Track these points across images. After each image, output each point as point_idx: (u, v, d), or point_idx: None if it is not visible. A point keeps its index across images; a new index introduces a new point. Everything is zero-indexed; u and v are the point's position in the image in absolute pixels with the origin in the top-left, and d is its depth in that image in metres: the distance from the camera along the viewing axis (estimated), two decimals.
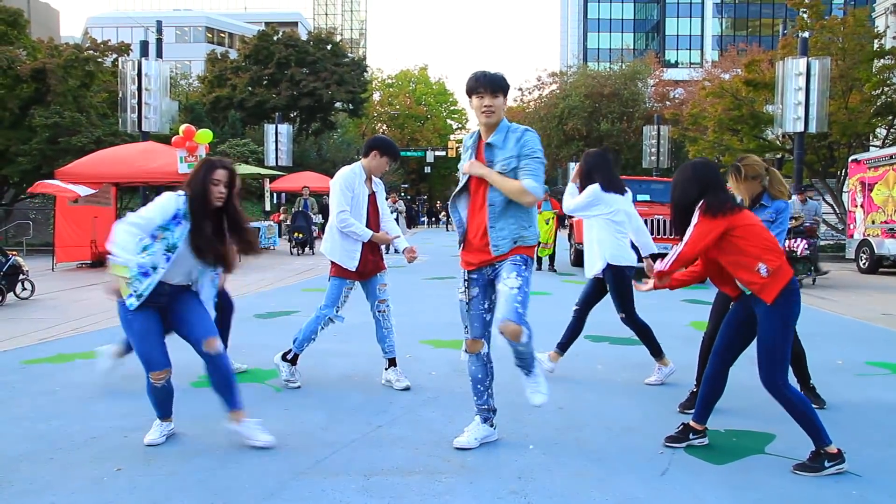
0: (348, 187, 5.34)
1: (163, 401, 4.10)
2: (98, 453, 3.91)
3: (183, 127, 14.55)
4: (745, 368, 4.92)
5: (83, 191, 13.78)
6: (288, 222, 22.87)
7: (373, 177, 5.55)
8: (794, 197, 12.91)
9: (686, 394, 5.14)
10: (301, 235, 20.35)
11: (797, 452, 3.95)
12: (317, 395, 5.17)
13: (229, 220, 4.09)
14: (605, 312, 9.25)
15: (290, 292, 11.50)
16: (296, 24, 77.34)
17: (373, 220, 5.49)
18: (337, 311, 5.55)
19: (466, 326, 4.10)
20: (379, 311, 5.64)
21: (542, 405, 4.09)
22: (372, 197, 5.53)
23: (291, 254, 20.08)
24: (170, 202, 3.92)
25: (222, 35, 74.02)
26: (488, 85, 3.90)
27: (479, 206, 3.94)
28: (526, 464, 3.78)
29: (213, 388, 4.17)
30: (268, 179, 22.77)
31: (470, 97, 3.95)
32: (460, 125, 76.50)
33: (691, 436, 4.15)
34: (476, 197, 3.97)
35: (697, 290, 12.12)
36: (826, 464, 3.72)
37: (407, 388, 5.31)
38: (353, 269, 5.42)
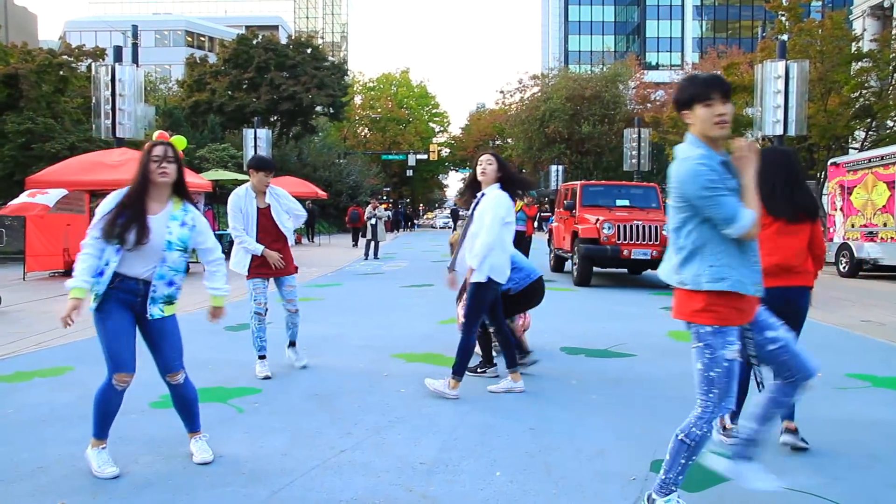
0: (237, 207, 5.97)
1: (109, 414, 3.92)
2: (42, 485, 3.71)
3: (156, 133, 14.24)
4: None
5: (52, 199, 13.49)
6: None
7: (267, 191, 6.06)
8: None
9: (665, 406, 5.01)
10: None
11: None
12: (280, 415, 4.99)
13: (184, 196, 3.97)
14: (585, 322, 9.19)
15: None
16: (276, 27, 76.96)
17: (271, 231, 6.07)
18: (257, 306, 6.12)
19: (715, 391, 3.09)
20: (287, 311, 6.34)
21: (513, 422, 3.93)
22: (264, 210, 6.06)
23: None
24: (110, 199, 3.83)
25: (202, 39, 73.51)
26: (721, 89, 3.00)
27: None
28: (491, 494, 3.61)
29: (175, 410, 4.17)
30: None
31: (689, 107, 3.05)
32: (442, 128, 76.41)
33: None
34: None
35: None
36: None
37: (304, 367, 6.34)
38: (247, 275, 6.10)
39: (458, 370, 5.35)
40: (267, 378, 5.99)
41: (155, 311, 3.89)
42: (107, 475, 3.80)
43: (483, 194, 5.35)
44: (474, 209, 5.35)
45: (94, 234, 3.77)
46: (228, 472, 3.90)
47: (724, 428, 4.44)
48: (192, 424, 4.15)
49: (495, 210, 5.23)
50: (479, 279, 5.26)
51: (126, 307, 3.84)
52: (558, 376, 6.16)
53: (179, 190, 3.95)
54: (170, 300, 3.95)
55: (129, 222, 3.74)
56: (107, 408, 3.90)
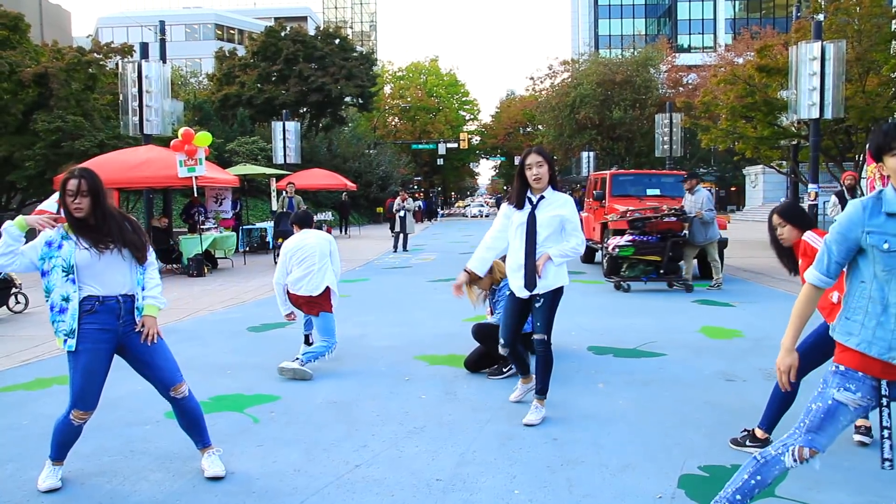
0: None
1: (68, 442, 3.87)
2: None
3: (182, 130, 14.28)
4: (764, 393, 4.58)
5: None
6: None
7: None
8: (700, 188, 11.84)
9: (696, 413, 4.80)
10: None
11: (810, 495, 3.60)
12: (296, 425, 4.86)
13: (98, 229, 3.69)
14: (614, 318, 8.95)
15: None
16: (305, 18, 77.15)
17: None
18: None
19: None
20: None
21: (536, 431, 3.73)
22: None
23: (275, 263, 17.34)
24: (39, 238, 3.72)
25: (231, 32, 73.83)
26: None
27: None
28: None
29: (181, 428, 4.05)
30: (274, 178, 22.45)
31: (880, 159, 2.81)
32: (472, 116, 75.94)
33: (748, 442, 4.27)
34: None
35: (710, 287, 11.73)
36: (747, 443, 4.26)
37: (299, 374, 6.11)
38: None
39: (543, 389, 4.93)
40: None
41: (138, 320, 3.83)
42: (42, 487, 3.79)
43: (542, 197, 4.82)
44: (532, 214, 4.81)
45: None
46: (239, 490, 3.78)
47: (757, 438, 4.24)
48: (202, 439, 4.04)
49: (577, 218, 4.91)
50: (563, 283, 4.94)
51: (103, 337, 3.71)
52: (585, 379, 5.96)
53: (101, 217, 3.68)
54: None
55: (101, 243, 3.69)
56: (64, 438, 3.84)
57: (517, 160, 5.06)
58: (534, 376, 5.15)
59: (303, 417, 5.03)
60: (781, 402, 4.26)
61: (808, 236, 4.22)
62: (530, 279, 4.78)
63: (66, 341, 3.66)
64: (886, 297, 2.73)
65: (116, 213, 3.79)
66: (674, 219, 11.49)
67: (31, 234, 3.68)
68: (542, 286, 4.81)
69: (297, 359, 6.14)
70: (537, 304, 4.84)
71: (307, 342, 6.90)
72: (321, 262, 6.44)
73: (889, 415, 2.79)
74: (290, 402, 5.42)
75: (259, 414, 5.12)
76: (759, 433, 4.27)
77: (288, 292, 6.48)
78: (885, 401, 2.77)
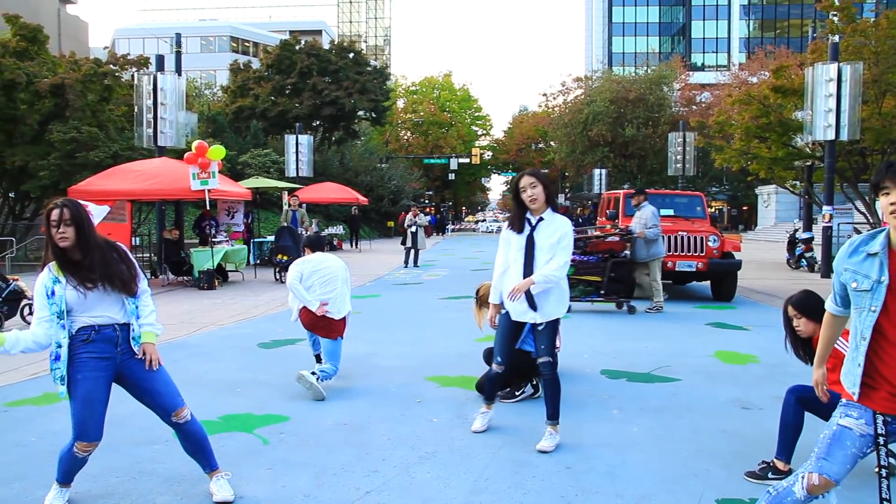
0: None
1: (74, 469, 3.80)
2: None
3: (195, 143, 14.31)
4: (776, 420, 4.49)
5: (97, 218, 13.52)
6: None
7: None
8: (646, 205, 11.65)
9: (712, 442, 4.71)
10: (286, 258, 15.53)
11: None
12: (306, 448, 4.79)
13: (82, 265, 3.60)
14: (626, 341, 8.85)
15: None
16: (320, 32, 77.63)
17: None
18: None
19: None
20: None
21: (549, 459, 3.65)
22: None
23: (279, 281, 15.55)
24: (39, 285, 3.62)
25: (247, 44, 74.32)
26: (894, 175, 2.72)
27: None
28: None
29: (187, 453, 3.98)
30: (286, 192, 22.48)
31: (878, 195, 2.81)
32: (484, 131, 76.10)
33: (770, 475, 4.17)
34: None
35: (725, 309, 11.62)
36: (769, 475, 4.15)
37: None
38: None
39: (554, 414, 4.87)
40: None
41: (137, 348, 3.78)
42: None
43: (542, 219, 4.79)
44: (531, 236, 4.79)
45: (42, 316, 3.60)
46: None
47: (778, 470, 4.16)
48: (209, 462, 3.98)
49: (571, 242, 4.86)
50: (563, 313, 4.90)
51: (101, 365, 3.65)
52: (598, 404, 5.87)
53: (85, 248, 3.60)
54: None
55: (87, 280, 3.61)
56: (70, 467, 3.78)
57: None
58: (493, 406, 5.20)
59: (313, 439, 4.97)
60: (790, 429, 4.22)
61: (839, 342, 4.15)
62: (532, 303, 4.77)
63: (61, 386, 3.61)
64: (858, 333, 2.84)
65: (102, 243, 3.69)
66: (616, 238, 11.36)
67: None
68: (544, 315, 4.81)
69: (315, 374, 6.07)
70: (539, 328, 4.83)
71: (319, 361, 6.84)
72: (343, 287, 6.45)
73: (886, 454, 2.81)
74: (300, 422, 5.36)
75: (269, 435, 5.06)
76: (781, 465, 4.19)
77: (304, 311, 6.42)
78: (881, 439, 2.79)
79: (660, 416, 5.56)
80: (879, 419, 2.78)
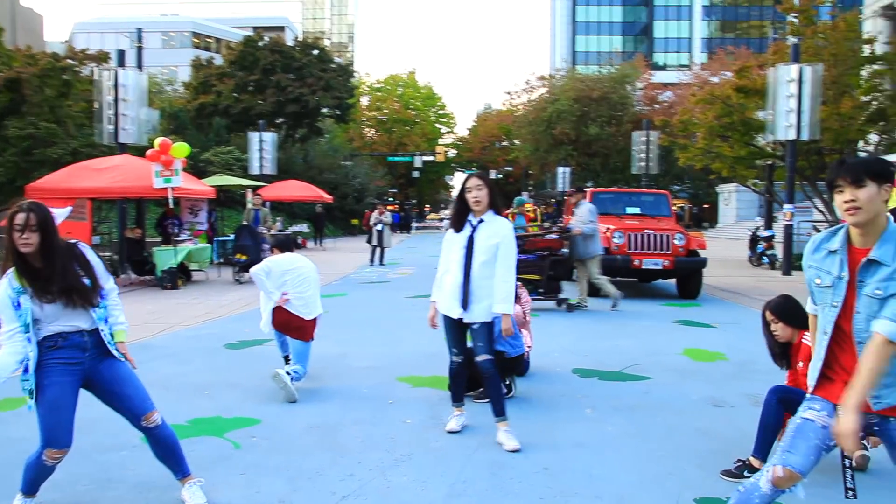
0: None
1: (41, 478, 3.67)
2: None
3: (158, 140, 14.06)
4: (753, 419, 4.51)
5: (59, 219, 13.20)
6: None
7: None
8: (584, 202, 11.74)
9: (687, 440, 4.72)
10: (245, 258, 14.83)
11: None
12: (279, 452, 4.71)
13: (42, 274, 3.46)
14: (596, 339, 8.87)
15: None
16: (283, 28, 76.93)
17: None
18: None
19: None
20: None
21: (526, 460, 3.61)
22: None
23: (236, 281, 15.21)
24: (2, 296, 3.45)
25: (209, 40, 73.39)
26: (848, 174, 2.72)
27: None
28: None
29: (157, 459, 3.85)
30: (250, 190, 22.21)
31: (832, 193, 2.82)
32: (448, 129, 76.09)
33: (745, 472, 4.13)
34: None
35: (691, 307, 11.73)
36: (745, 473, 4.11)
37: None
38: None
39: (500, 411, 4.89)
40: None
41: (115, 352, 3.68)
42: None
43: (482, 220, 4.85)
44: (471, 237, 4.84)
45: (9, 329, 3.45)
46: None
47: (755, 468, 4.18)
48: (181, 468, 3.86)
49: (513, 244, 4.91)
50: (507, 310, 4.89)
51: (69, 371, 3.54)
52: (572, 404, 5.86)
53: (47, 255, 3.46)
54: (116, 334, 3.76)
55: (43, 292, 3.45)
56: (36, 476, 3.65)
57: (492, 175, 5.07)
58: (464, 408, 5.19)
59: (285, 443, 4.88)
60: (769, 429, 4.24)
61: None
62: (466, 300, 4.83)
63: (29, 402, 3.51)
64: (821, 328, 2.88)
65: (64, 250, 3.54)
66: (554, 237, 11.40)
67: None
68: (470, 316, 4.86)
69: (289, 374, 5.96)
70: (474, 327, 4.88)
71: (287, 363, 6.74)
72: (314, 289, 6.40)
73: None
74: (272, 425, 5.26)
75: (240, 439, 4.96)
76: (757, 463, 4.20)
77: (277, 312, 6.32)
78: None
79: (634, 415, 5.57)
80: (840, 411, 2.77)
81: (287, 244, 6.68)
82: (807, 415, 2.88)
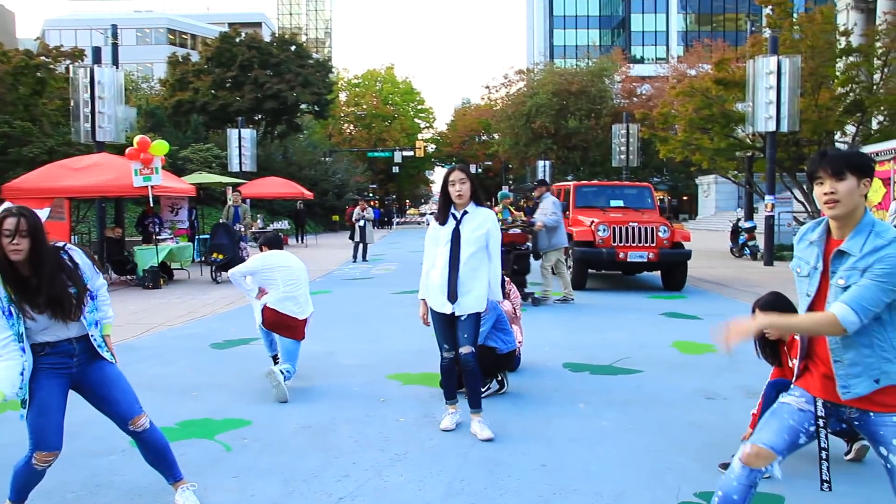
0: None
1: (29, 484, 3.57)
2: None
3: (137, 138, 13.86)
4: (746, 412, 4.49)
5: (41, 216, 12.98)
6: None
7: None
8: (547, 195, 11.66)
9: (682, 434, 4.70)
10: (221, 257, 14.47)
11: None
12: (271, 453, 4.63)
13: (35, 270, 3.33)
14: (585, 333, 8.85)
15: (251, 313, 10.79)
16: (259, 24, 76.30)
17: None
18: None
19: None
20: None
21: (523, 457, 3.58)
22: None
23: (213, 280, 14.85)
24: None
25: (184, 37, 72.60)
26: (829, 166, 2.71)
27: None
28: None
29: (148, 463, 3.77)
30: (230, 187, 21.99)
31: (813, 184, 2.82)
32: (427, 124, 75.94)
33: None
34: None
35: (676, 299, 11.76)
36: None
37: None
38: None
39: (475, 402, 4.98)
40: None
41: (106, 354, 3.60)
42: None
43: (465, 212, 4.91)
44: (457, 230, 4.89)
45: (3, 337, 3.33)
46: None
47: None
48: (173, 473, 3.77)
49: (499, 233, 5.05)
50: (482, 308, 5.00)
51: (57, 374, 3.46)
52: (565, 399, 5.83)
53: (36, 264, 3.33)
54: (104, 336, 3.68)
55: (30, 304, 3.34)
56: (26, 482, 3.55)
57: (472, 169, 5.11)
58: (458, 405, 5.15)
59: (277, 444, 4.81)
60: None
61: None
62: (453, 293, 4.86)
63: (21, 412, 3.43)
64: None
65: (53, 259, 3.40)
66: (517, 231, 11.38)
67: None
68: (460, 308, 4.89)
69: (283, 373, 5.88)
70: (462, 319, 4.91)
71: (276, 362, 6.65)
72: (305, 287, 6.35)
73: (826, 436, 2.83)
74: (263, 427, 5.18)
75: (231, 441, 4.88)
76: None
77: (268, 311, 6.25)
78: (821, 422, 2.82)
79: (627, 409, 5.54)
80: (819, 402, 2.82)
81: (277, 242, 6.64)
82: (784, 399, 2.92)
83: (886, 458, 2.70)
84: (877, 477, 4.08)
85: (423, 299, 5.12)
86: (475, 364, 4.91)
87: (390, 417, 5.37)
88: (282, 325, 6.22)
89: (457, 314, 4.89)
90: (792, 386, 2.96)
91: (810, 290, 2.81)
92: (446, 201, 4.95)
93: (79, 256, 3.56)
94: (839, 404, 2.78)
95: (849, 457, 4.39)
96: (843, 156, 2.72)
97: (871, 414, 2.73)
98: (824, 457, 2.85)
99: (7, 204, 3.52)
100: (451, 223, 4.93)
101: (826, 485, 2.85)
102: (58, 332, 3.44)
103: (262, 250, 6.58)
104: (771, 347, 4.44)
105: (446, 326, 4.98)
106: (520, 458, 4.47)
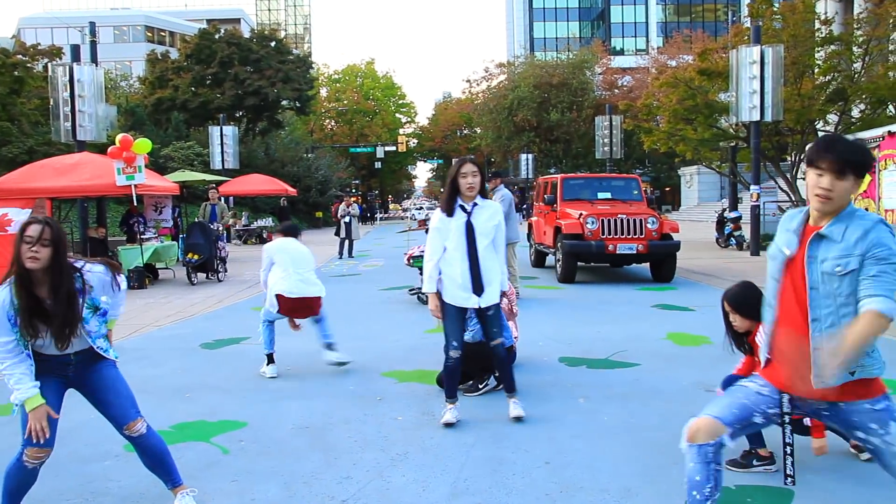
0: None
1: (23, 487, 3.48)
2: None
3: (119, 136, 13.66)
4: None
5: (17, 215, 12.77)
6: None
7: None
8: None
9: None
10: (197, 257, 14.02)
11: None
12: (270, 455, 4.55)
13: (52, 286, 3.25)
14: (579, 326, 8.81)
15: (240, 311, 10.76)
16: (238, 20, 75.73)
17: None
18: None
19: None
20: None
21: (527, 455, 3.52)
22: None
23: (190, 282, 14.15)
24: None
25: (163, 34, 71.93)
26: (835, 162, 2.63)
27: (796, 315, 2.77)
28: None
29: (146, 468, 3.69)
30: (213, 185, 21.78)
31: (808, 168, 2.74)
32: (409, 119, 75.77)
33: (754, 462, 4.14)
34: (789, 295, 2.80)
35: (666, 290, 11.76)
36: (754, 462, 4.12)
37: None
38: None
39: (511, 387, 5.17)
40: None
41: (111, 353, 3.57)
42: None
43: (475, 204, 4.93)
44: (469, 222, 4.89)
45: (7, 341, 3.25)
46: None
47: (762, 457, 4.14)
48: (172, 478, 3.70)
49: (504, 226, 5.18)
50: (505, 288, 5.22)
51: (54, 376, 3.42)
52: (564, 394, 5.78)
53: (57, 275, 3.26)
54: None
55: (34, 325, 3.25)
56: (17, 484, 3.47)
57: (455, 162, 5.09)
58: (457, 402, 5.13)
59: (275, 446, 4.72)
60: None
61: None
62: (478, 286, 4.91)
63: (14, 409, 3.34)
64: (767, 302, 2.91)
65: (69, 283, 3.29)
66: None
67: None
68: (490, 299, 4.98)
69: (328, 345, 6.58)
70: (489, 313, 4.99)
71: (272, 360, 6.59)
72: (312, 269, 6.72)
73: (791, 432, 2.87)
74: (259, 428, 5.10)
75: (227, 443, 4.79)
76: (763, 451, 4.15)
77: (281, 298, 6.45)
78: (786, 417, 2.83)
79: (627, 403, 5.50)
80: (786, 398, 2.81)
81: (294, 230, 6.99)
82: (743, 382, 2.95)
83: (867, 440, 2.72)
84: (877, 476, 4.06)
85: (433, 293, 5.05)
86: (507, 354, 5.14)
87: (388, 416, 5.30)
88: (298, 308, 6.51)
89: (482, 306, 4.95)
90: (754, 374, 2.97)
91: (777, 275, 2.81)
92: (454, 192, 4.95)
93: (96, 279, 3.44)
94: (805, 398, 2.77)
95: (865, 456, 4.29)
96: (850, 152, 2.64)
97: (842, 404, 2.72)
98: (789, 451, 2.89)
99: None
100: (462, 215, 4.93)
101: (790, 479, 2.88)
102: (55, 351, 3.39)
103: (276, 236, 6.96)
104: (740, 339, 4.36)
105: (460, 321, 5.03)
106: (523, 456, 4.41)
